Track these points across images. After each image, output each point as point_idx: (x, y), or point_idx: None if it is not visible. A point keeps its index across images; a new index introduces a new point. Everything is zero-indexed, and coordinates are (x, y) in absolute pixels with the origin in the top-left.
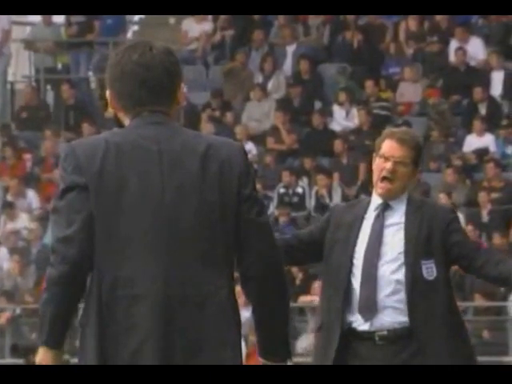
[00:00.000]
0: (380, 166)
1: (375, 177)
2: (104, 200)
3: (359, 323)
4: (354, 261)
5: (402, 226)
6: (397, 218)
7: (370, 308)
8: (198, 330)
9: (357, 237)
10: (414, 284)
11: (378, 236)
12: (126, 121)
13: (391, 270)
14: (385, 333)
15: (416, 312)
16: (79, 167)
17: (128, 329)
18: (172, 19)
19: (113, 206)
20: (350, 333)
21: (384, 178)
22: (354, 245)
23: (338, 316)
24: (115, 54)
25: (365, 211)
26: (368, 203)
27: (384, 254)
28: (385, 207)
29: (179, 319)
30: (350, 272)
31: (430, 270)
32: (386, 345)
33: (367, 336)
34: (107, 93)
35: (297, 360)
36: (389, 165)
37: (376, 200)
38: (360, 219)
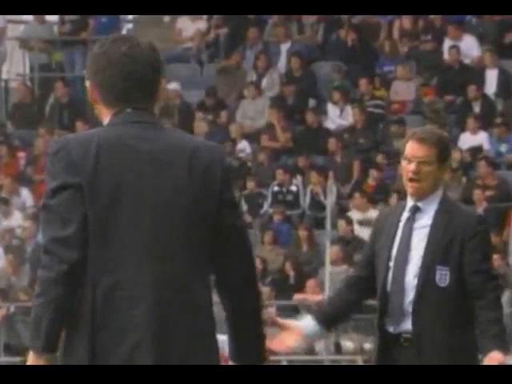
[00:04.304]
0: (405, 168)
1: (404, 179)
2: (99, 201)
3: (390, 326)
4: (390, 265)
5: (429, 228)
6: (425, 221)
7: (397, 312)
8: (189, 333)
9: (393, 241)
10: (423, 288)
11: (407, 240)
12: (105, 114)
13: (414, 275)
14: (409, 335)
15: (419, 315)
16: (74, 166)
17: (123, 331)
18: (166, 17)
19: (108, 207)
20: (386, 335)
21: (411, 180)
22: (390, 249)
23: (377, 319)
24: (100, 44)
25: (401, 214)
26: (404, 206)
27: (411, 258)
28: (416, 209)
29: (172, 322)
30: (385, 277)
31: (443, 276)
32: (409, 347)
33: (396, 338)
34: (87, 83)
35: (291, 358)
36: (412, 166)
37: (409, 202)
38: (396, 223)
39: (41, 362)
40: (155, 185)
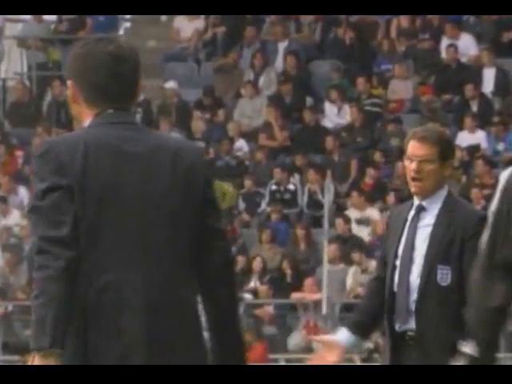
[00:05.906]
0: (408, 167)
1: (408, 178)
2: (88, 202)
3: (396, 324)
4: (396, 264)
5: (431, 227)
6: (429, 220)
7: (403, 311)
8: (180, 334)
9: (399, 240)
10: (426, 287)
11: (411, 239)
12: (86, 115)
13: (418, 274)
14: (413, 334)
15: (422, 314)
16: (62, 167)
17: (114, 333)
18: (164, 16)
19: (97, 208)
20: (394, 333)
21: (413, 179)
22: (397, 248)
23: (386, 318)
24: (82, 44)
25: (408, 213)
26: (411, 205)
27: (415, 257)
28: (420, 208)
29: (163, 323)
30: (392, 275)
31: (445, 275)
32: (414, 345)
33: (401, 336)
34: (68, 83)
35: (289, 356)
36: (414, 165)
37: (415, 201)
38: (403, 222)
39: (47, 362)
40: (142, 186)
